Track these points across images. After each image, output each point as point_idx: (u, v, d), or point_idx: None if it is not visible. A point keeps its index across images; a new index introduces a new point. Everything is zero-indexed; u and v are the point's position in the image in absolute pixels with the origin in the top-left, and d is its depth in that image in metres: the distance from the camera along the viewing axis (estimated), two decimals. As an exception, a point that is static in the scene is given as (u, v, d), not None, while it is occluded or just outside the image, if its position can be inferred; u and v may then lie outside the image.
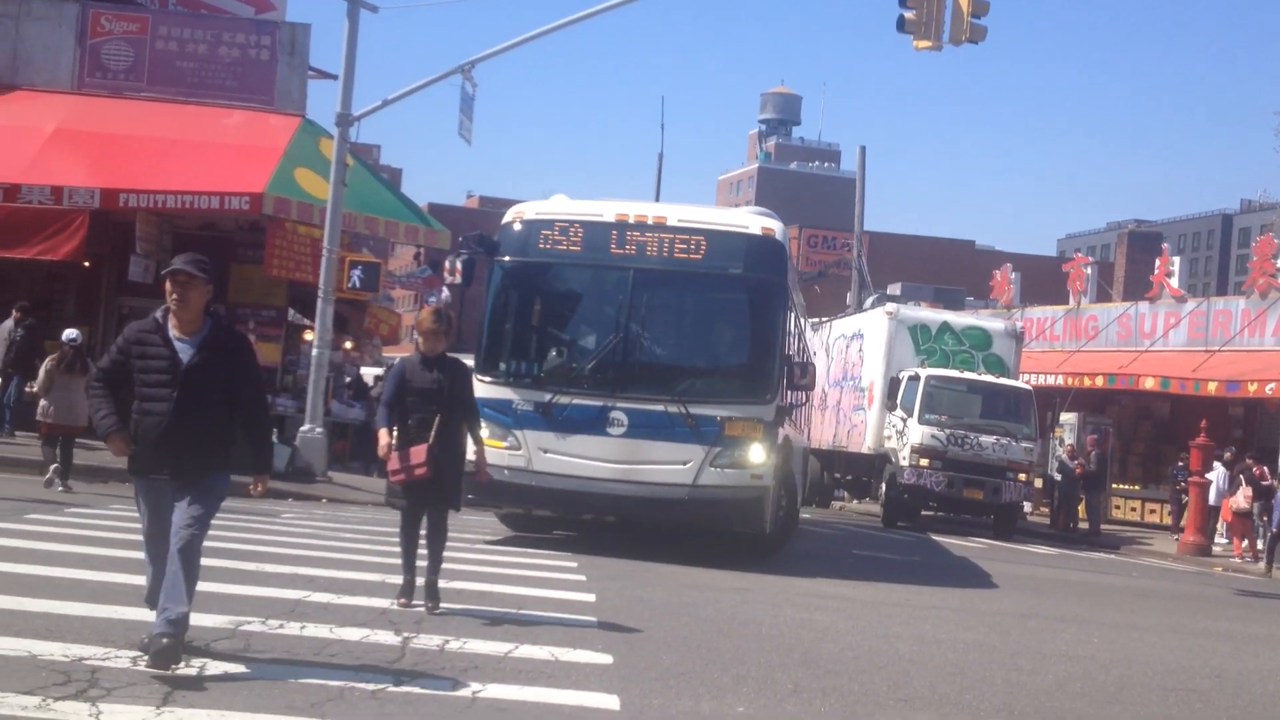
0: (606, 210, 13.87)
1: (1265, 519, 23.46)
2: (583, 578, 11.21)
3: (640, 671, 7.47)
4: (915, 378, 25.06)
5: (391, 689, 6.44)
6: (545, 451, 13.01)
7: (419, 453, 8.51)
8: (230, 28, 24.96)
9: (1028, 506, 28.91)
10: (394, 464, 8.62)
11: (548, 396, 13.14)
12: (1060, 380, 31.99)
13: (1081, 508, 28.63)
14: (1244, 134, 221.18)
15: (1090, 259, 41.27)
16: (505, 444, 13.03)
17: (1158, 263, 34.70)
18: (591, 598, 10.02)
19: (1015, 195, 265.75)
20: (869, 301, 33.33)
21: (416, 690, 6.48)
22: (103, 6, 24.34)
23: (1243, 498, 23.95)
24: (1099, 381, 31.59)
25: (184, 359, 6.50)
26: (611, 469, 12.95)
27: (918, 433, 24.30)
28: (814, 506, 28.72)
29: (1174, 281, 33.72)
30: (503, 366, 13.68)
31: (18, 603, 7.47)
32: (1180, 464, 28.05)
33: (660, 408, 13.00)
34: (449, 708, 6.21)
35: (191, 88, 24.50)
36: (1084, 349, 34.72)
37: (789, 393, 14.59)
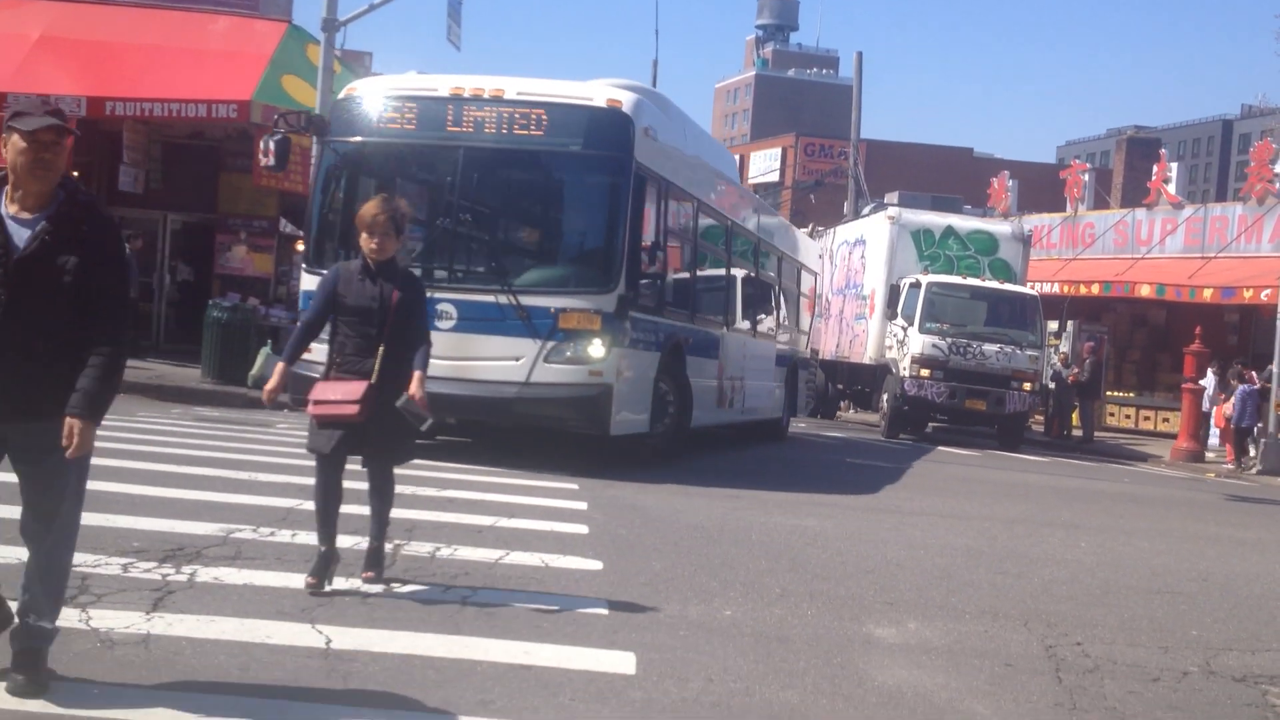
0: (442, 84, 12.82)
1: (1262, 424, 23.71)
2: (574, 486, 11.29)
3: (629, 577, 7.55)
4: (916, 285, 24.35)
5: (382, 595, 6.52)
6: None
7: (353, 389, 6.46)
8: (215, -66, 24.58)
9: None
10: (317, 393, 6.54)
11: None
12: (1057, 288, 31.94)
13: (1076, 415, 28.75)
14: (1245, 39, 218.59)
15: (1088, 165, 40.99)
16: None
17: (1155, 169, 34.48)
18: (584, 505, 10.10)
19: (1015, 102, 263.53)
20: (867, 210, 32.78)
21: (406, 595, 6.55)
22: (79, -87, 23.89)
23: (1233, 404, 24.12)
24: (1095, 289, 31.56)
25: (18, 244, 4.46)
26: (441, 366, 11.18)
27: (918, 342, 23.63)
28: (819, 417, 28.82)
29: (1171, 188, 33.52)
30: (329, 257, 12.56)
31: (6, 510, 7.50)
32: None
33: (491, 299, 12.02)
34: (438, 613, 6.28)
35: (175, -6, 24.21)
36: (1080, 257, 34.63)
37: (661, 285, 13.53)
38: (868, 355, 26.51)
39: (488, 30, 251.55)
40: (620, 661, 5.71)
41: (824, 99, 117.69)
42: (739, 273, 17.78)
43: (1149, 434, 31.05)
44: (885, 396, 25.24)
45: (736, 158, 74.33)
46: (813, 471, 16.12)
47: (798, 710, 5.32)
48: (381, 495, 6.87)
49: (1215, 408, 25.59)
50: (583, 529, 9.01)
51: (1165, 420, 30.60)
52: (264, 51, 22.58)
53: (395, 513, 8.70)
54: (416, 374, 6.57)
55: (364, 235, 6.55)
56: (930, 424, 26.57)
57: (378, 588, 6.65)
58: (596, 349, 12.02)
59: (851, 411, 31.39)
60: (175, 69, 21.73)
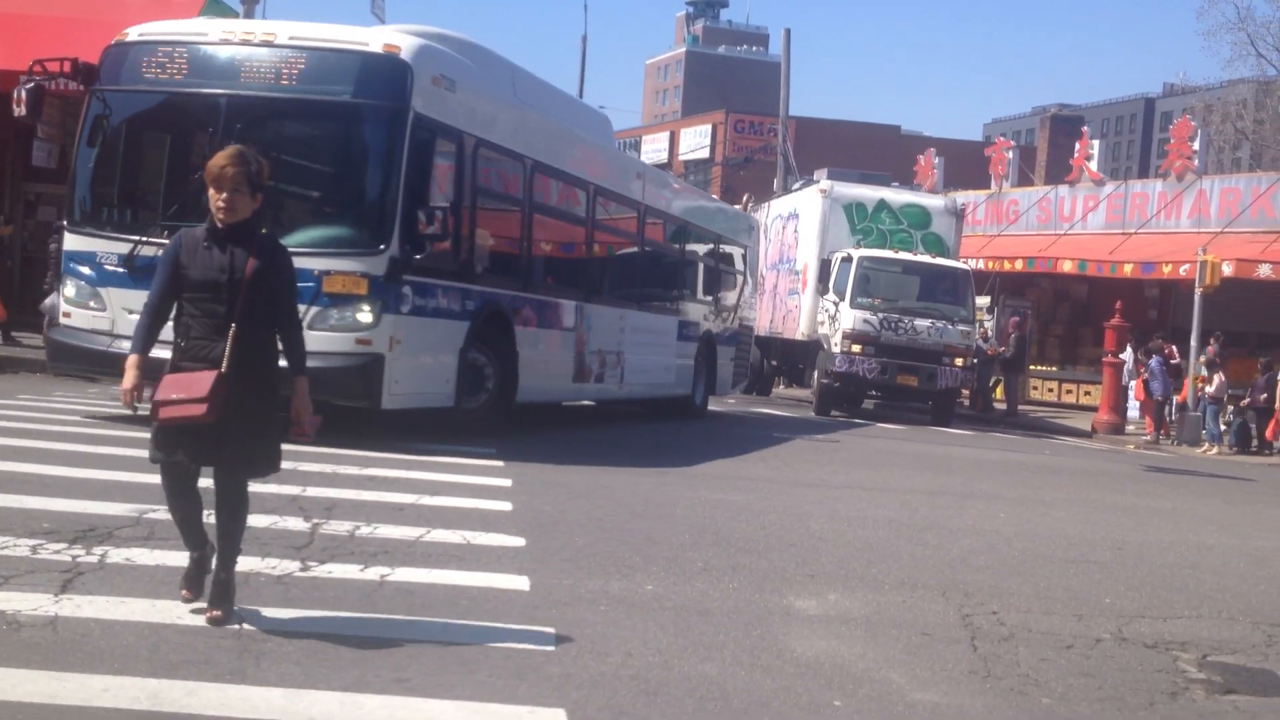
0: (214, 29, 12.07)
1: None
2: (500, 463, 11.25)
3: (552, 553, 7.53)
4: (848, 259, 24.16)
5: (298, 574, 6.44)
6: (130, 312, 10.66)
7: (199, 381, 5.24)
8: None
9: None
10: (160, 390, 5.34)
11: (129, 248, 11.37)
12: (982, 264, 32.33)
13: (1000, 389, 29.15)
14: (1169, 18, 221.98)
15: (1012, 143, 41.45)
16: (90, 306, 11.69)
17: (1078, 146, 34.98)
18: (508, 482, 10.06)
19: (942, 80, 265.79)
20: (796, 185, 32.85)
21: (323, 575, 6.48)
22: None
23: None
24: (1019, 265, 31.99)
25: None
26: None
27: (849, 317, 23.46)
28: (754, 394, 28.90)
29: (1094, 165, 34.03)
30: (89, 213, 11.96)
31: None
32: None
33: None
34: (355, 591, 6.22)
35: (95, -34, 23.65)
36: (1005, 233, 35.09)
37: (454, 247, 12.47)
38: (800, 331, 26.31)
39: (415, 5, 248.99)
40: (540, 638, 5.69)
41: (754, 76, 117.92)
42: (613, 242, 17.36)
43: (1072, 407, 31.58)
44: (816, 373, 25.01)
45: (667, 134, 74.49)
46: (723, 447, 16.18)
47: (716, 682, 5.34)
48: (233, 512, 5.56)
49: (1135, 381, 26.08)
50: (506, 506, 8.97)
51: (1087, 394, 31.14)
52: (192, 7, 22.15)
53: (315, 491, 8.72)
54: (300, 383, 5.49)
55: (211, 191, 5.32)
56: (866, 400, 26.62)
57: (294, 565, 6.57)
58: (364, 315, 11.20)
59: (781, 387, 31.52)
60: (90, 42, 21.23)
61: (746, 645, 5.93)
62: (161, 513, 7.46)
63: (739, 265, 22.99)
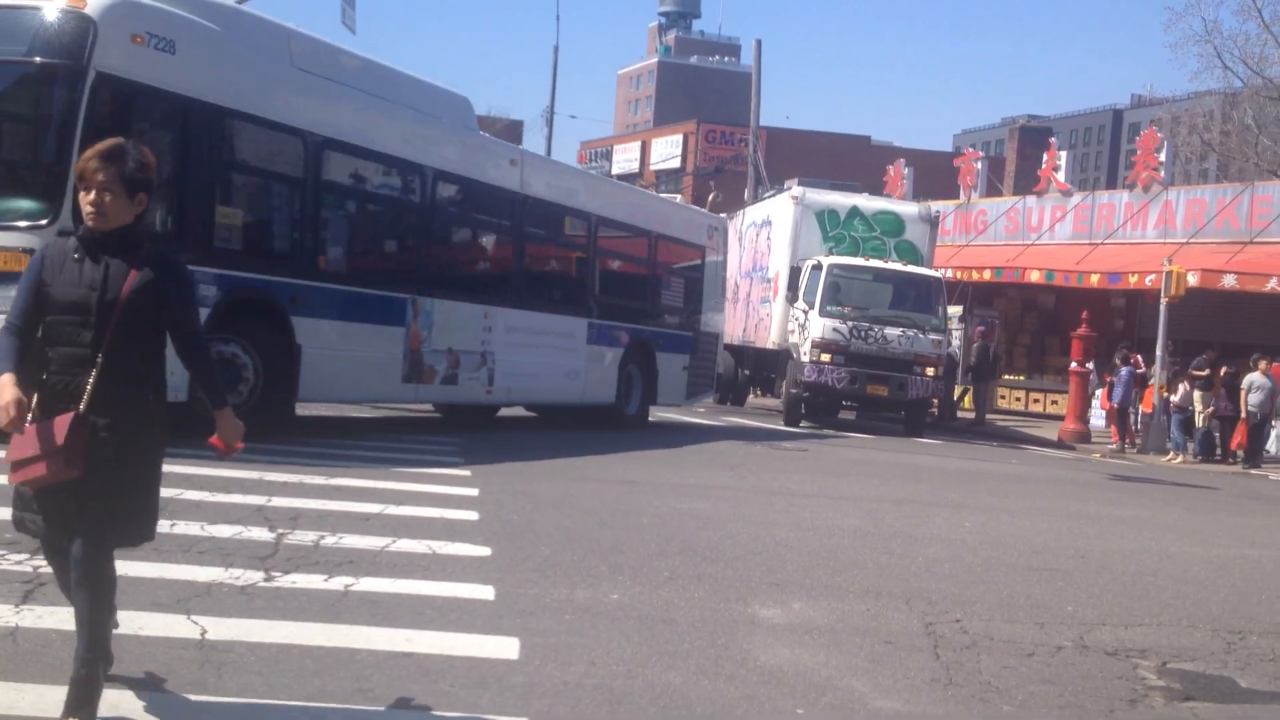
0: None
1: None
2: (468, 473, 11.25)
3: (518, 562, 7.54)
4: (818, 267, 23.77)
5: (261, 584, 6.42)
6: None
7: (53, 430, 4.23)
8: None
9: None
10: (13, 449, 4.28)
11: None
12: (951, 274, 32.50)
13: (968, 398, 29.30)
14: (1137, 30, 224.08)
15: (981, 154, 41.75)
16: None
17: (1045, 157, 35.25)
18: (475, 492, 10.07)
19: (912, 91, 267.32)
20: (768, 194, 32.84)
21: (287, 585, 6.46)
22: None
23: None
24: (986, 275, 32.17)
25: None
26: None
27: (819, 326, 23.03)
28: (728, 404, 28.90)
29: (1061, 176, 34.30)
30: None
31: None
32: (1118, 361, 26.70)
33: None
34: (319, 601, 6.21)
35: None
36: (973, 243, 35.29)
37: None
38: (771, 340, 25.94)
39: (385, 11, 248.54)
40: (503, 647, 5.70)
41: (725, 86, 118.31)
42: (469, 234, 16.30)
43: (1039, 416, 31.78)
44: (786, 383, 24.67)
45: (638, 144, 74.58)
46: (713, 456, 16.19)
47: (679, 691, 5.36)
48: (94, 593, 4.40)
49: (1100, 390, 26.29)
50: (473, 515, 8.97)
51: (1054, 402, 31.34)
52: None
53: (280, 501, 8.69)
54: (223, 417, 4.64)
55: (80, 192, 4.41)
56: (843, 411, 26.51)
57: (258, 575, 6.55)
58: None
59: (753, 397, 31.50)
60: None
61: (711, 654, 5.95)
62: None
63: (694, 267, 21.42)
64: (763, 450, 17.66)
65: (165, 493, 8.40)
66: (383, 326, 13.84)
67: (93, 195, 4.36)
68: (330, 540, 7.59)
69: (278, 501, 8.70)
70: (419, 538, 7.91)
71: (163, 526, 7.38)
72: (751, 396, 31.37)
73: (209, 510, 8.19)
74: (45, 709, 4.42)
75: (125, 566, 6.41)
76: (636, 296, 19.85)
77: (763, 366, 28.42)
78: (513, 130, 76.11)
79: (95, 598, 4.41)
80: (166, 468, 9.93)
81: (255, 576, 6.55)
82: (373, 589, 6.53)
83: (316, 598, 6.28)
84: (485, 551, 7.72)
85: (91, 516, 4.34)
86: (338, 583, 6.57)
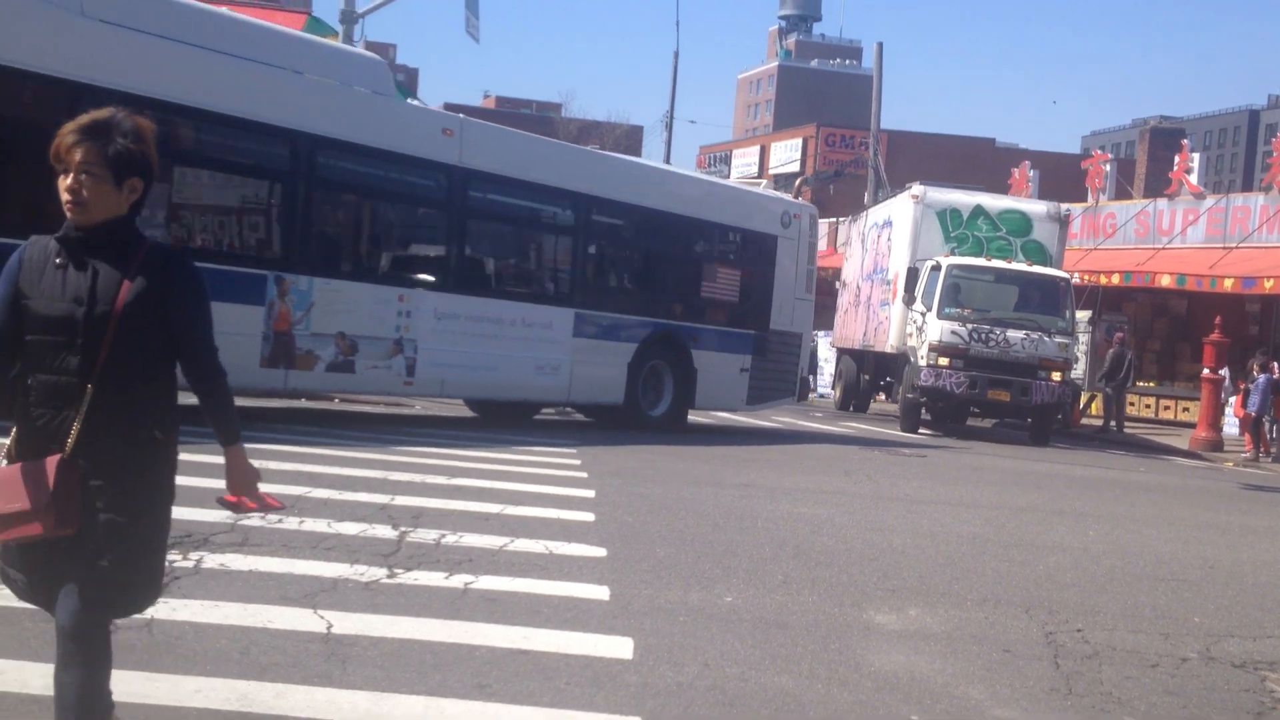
0: None
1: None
2: (584, 474, 11.37)
3: (633, 563, 7.61)
4: (936, 267, 22.95)
5: (385, 581, 6.59)
6: None
7: (35, 479, 3.48)
8: (236, -75, 24.76)
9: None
10: None
11: None
12: (1078, 278, 31.82)
13: (1096, 404, 28.67)
14: (1275, 27, 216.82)
15: (1109, 155, 40.78)
16: None
17: (1177, 159, 34.31)
18: (591, 494, 10.18)
19: (1040, 93, 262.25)
20: (888, 197, 32.33)
21: (409, 582, 6.62)
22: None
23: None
24: (1115, 279, 31.45)
25: None
26: None
27: (936, 329, 22.13)
28: (850, 409, 28.68)
29: (1194, 178, 33.35)
30: None
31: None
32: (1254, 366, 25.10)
33: None
34: (439, 598, 6.36)
35: (198, -13, 24.43)
36: (1101, 247, 34.49)
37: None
38: (890, 343, 25.24)
39: (509, 20, 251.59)
40: (618, 646, 5.77)
41: (846, 89, 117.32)
42: (360, 209, 14.90)
43: (1169, 423, 30.94)
44: (902, 387, 24.04)
45: (757, 148, 74.40)
46: (827, 462, 16.09)
47: (792, 695, 5.37)
48: (86, 665, 3.60)
49: (1234, 398, 25.50)
50: (589, 517, 9.08)
51: (1185, 410, 30.48)
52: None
53: (404, 500, 8.91)
54: (234, 455, 3.75)
55: (59, 178, 3.55)
56: (968, 419, 25.83)
57: (381, 572, 6.72)
58: None
59: (876, 402, 31.10)
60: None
61: (824, 659, 5.96)
62: (255, 519, 7.71)
63: (760, 258, 19.21)
64: (880, 455, 17.50)
65: (294, 490, 8.78)
66: (232, 305, 12.18)
67: (69, 180, 3.49)
68: (451, 539, 7.75)
69: (401, 500, 8.91)
70: (537, 538, 8.03)
71: (292, 524, 7.69)
72: (874, 402, 31.00)
73: (336, 508, 8.42)
74: (177, 698, 4.61)
75: (256, 562, 6.67)
76: (659, 287, 18.18)
77: (883, 371, 27.84)
78: (632, 135, 76.65)
79: (88, 677, 3.59)
80: (299, 467, 10.34)
81: (379, 573, 6.72)
82: (491, 587, 6.66)
83: (437, 594, 6.43)
84: (601, 552, 7.81)
85: (85, 584, 3.52)
86: (458, 580, 6.71)
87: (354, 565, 6.81)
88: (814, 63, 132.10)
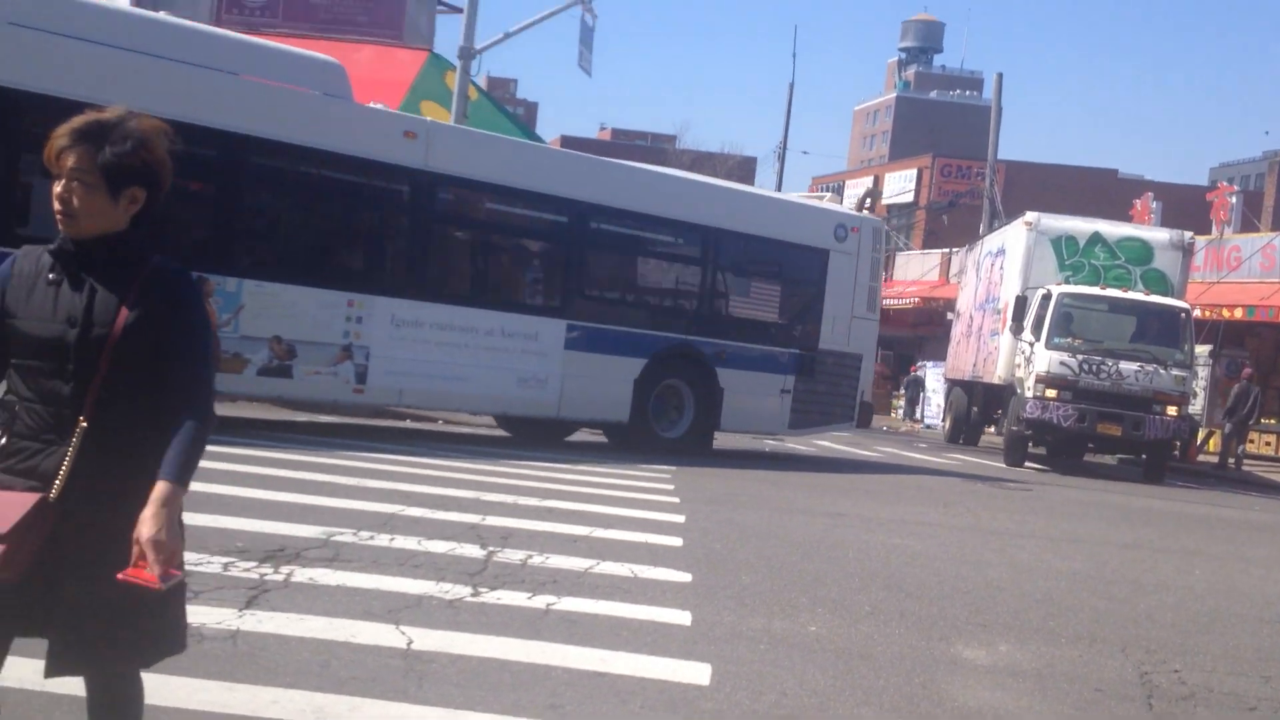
0: None
1: None
2: (676, 500, 11.37)
3: (717, 590, 7.58)
4: (1047, 296, 22.12)
5: (469, 599, 6.65)
6: None
7: (4, 509, 3.01)
8: (362, -37, 25.53)
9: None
10: None
11: None
12: (1199, 312, 30.95)
13: (1213, 441, 27.85)
14: None
15: (1235, 187, 39.69)
16: None
17: (1306, 191, 33.29)
18: (681, 519, 10.17)
19: (1165, 123, 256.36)
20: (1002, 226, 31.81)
21: (492, 601, 6.67)
22: (238, -57, 25.05)
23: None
24: (1238, 314, 30.55)
25: None
26: None
27: (1044, 359, 21.31)
28: (960, 442, 28.21)
29: (1324, 210, 32.32)
30: None
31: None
32: None
33: None
34: (520, 618, 6.40)
35: (324, 23, 25.23)
36: (1225, 280, 33.54)
37: None
38: (998, 374, 24.56)
39: (628, 53, 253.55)
40: (696, 672, 5.75)
41: (965, 121, 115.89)
42: (302, 212, 14.51)
43: (1294, 464, 29.90)
44: (1008, 419, 23.27)
45: (870, 178, 73.97)
46: (925, 493, 15.83)
47: (869, 726, 5.30)
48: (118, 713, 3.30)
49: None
50: (677, 542, 9.07)
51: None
52: (405, 78, 23.32)
53: (494, 520, 9.00)
54: (165, 493, 3.02)
55: (53, 186, 3.16)
56: (1085, 454, 25.09)
57: (465, 590, 6.79)
58: None
59: (986, 435, 30.52)
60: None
61: (907, 692, 5.86)
62: (348, 535, 7.86)
63: (808, 272, 17.89)
64: (982, 489, 17.19)
65: (387, 508, 8.92)
66: None
67: (58, 188, 3.12)
68: (537, 560, 7.80)
69: (492, 520, 9.00)
70: (622, 561, 8.04)
71: (383, 541, 7.81)
72: (984, 434, 30.43)
73: (427, 526, 8.53)
74: (254, 708, 4.69)
75: (345, 577, 6.78)
76: (674, 301, 17.31)
77: (992, 403, 27.08)
78: (745, 166, 76.65)
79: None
80: (394, 485, 10.47)
81: (463, 591, 6.78)
82: (573, 609, 6.68)
83: (519, 614, 6.47)
84: (686, 577, 7.80)
85: (93, 636, 3.10)
86: (540, 601, 6.75)
87: (439, 583, 6.89)
88: (933, 94, 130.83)
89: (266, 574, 6.70)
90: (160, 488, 3.04)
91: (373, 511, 8.90)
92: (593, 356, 15.70)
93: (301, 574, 6.79)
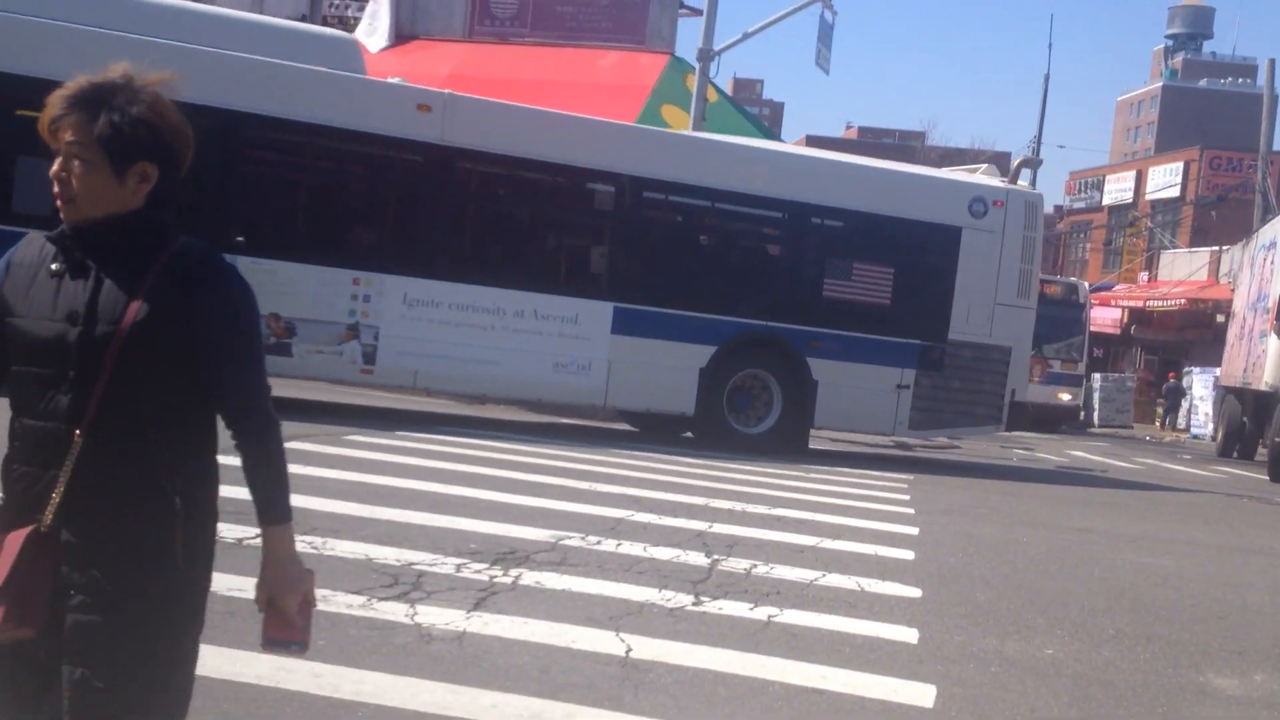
0: None
1: None
2: (911, 511, 11.09)
3: (948, 607, 7.35)
4: None
5: (690, 608, 6.64)
6: None
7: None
8: (608, -30, 26.03)
9: None
10: None
11: None
12: None
13: None
14: None
15: None
16: None
17: None
18: (915, 531, 9.90)
19: None
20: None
21: (713, 610, 6.64)
22: (492, -44, 25.90)
23: None
24: None
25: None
26: None
27: None
28: (1235, 456, 26.52)
29: None
30: None
31: (368, 510, 8.19)
32: None
33: None
34: (740, 629, 6.34)
35: (569, 31, 25.77)
36: None
37: None
38: (1265, 380, 22.74)
39: (873, 49, 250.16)
40: (919, 693, 5.57)
41: (1239, 110, 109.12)
42: (303, 188, 14.60)
43: None
44: (1271, 430, 21.62)
45: (1133, 173, 70.60)
46: (1180, 510, 14.97)
47: (1102, 759, 5.03)
48: None
49: None
50: (909, 555, 8.83)
51: None
52: (646, 83, 23.63)
53: (721, 528, 8.97)
54: (276, 538, 2.70)
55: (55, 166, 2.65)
56: None
57: (687, 599, 6.78)
58: None
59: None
60: (563, 102, 22.97)
61: (1147, 722, 5.54)
62: (576, 539, 7.97)
63: (933, 252, 15.92)
64: (1249, 505, 16.16)
65: (616, 513, 9.01)
66: None
67: (55, 165, 2.63)
68: (762, 569, 7.73)
69: (719, 528, 8.97)
70: (850, 574, 7.88)
71: (609, 546, 7.89)
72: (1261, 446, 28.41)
73: (654, 533, 8.58)
74: (474, 711, 4.79)
75: (570, 581, 6.88)
76: (751, 283, 15.69)
77: (1261, 412, 24.93)
78: (996, 161, 74.37)
79: None
80: (622, 489, 10.57)
81: (685, 600, 6.78)
82: (795, 621, 6.58)
83: (739, 625, 6.42)
84: (916, 593, 7.58)
85: (77, 699, 2.55)
86: (761, 612, 6.68)
87: (662, 590, 6.90)
88: (1202, 82, 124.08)
89: (496, 576, 6.85)
90: (274, 536, 2.68)
91: (602, 516, 8.99)
92: (646, 342, 14.69)
93: (529, 577, 6.91)
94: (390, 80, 14.70)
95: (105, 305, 2.59)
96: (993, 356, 15.86)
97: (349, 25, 26.17)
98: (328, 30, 14.97)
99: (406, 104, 13.98)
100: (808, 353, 15.19)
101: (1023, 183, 16.39)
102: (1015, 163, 16.85)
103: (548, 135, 14.56)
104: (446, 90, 14.65)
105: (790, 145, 16.39)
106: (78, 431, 2.57)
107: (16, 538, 2.56)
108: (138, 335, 2.58)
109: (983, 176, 16.80)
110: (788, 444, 15.31)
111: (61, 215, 2.65)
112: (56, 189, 2.62)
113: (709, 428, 15.11)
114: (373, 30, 25.54)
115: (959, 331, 15.74)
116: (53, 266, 2.65)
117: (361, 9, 26.01)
